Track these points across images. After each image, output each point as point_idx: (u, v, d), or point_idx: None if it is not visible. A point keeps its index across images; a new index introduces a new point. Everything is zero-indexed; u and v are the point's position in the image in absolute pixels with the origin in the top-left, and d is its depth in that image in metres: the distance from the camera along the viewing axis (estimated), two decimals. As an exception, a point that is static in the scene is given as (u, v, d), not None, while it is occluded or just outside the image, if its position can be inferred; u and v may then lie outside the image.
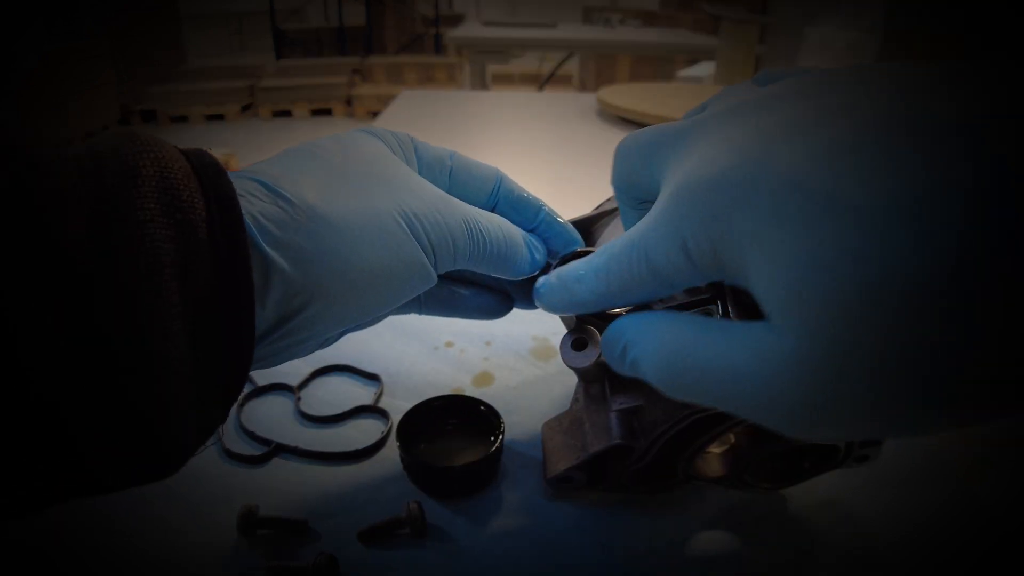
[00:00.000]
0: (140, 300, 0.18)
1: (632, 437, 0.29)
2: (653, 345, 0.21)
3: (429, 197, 0.27)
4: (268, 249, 0.22)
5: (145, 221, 0.19)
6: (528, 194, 0.33)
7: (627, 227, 0.26)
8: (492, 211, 0.33)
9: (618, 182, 0.25)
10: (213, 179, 0.21)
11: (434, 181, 0.31)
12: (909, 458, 0.38)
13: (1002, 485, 0.38)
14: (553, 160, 0.96)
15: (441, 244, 0.27)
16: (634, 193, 0.25)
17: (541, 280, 0.26)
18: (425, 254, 0.27)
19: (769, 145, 0.17)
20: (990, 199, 0.13)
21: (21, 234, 0.17)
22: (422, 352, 0.47)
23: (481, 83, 3.09)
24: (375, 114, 4.09)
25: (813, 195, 0.16)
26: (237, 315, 0.21)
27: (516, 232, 0.31)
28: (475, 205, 0.33)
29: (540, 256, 0.32)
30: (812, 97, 0.18)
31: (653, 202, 0.23)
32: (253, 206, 0.23)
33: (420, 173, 0.30)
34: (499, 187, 0.32)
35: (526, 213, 0.33)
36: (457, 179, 0.32)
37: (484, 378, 0.45)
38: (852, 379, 0.15)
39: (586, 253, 0.32)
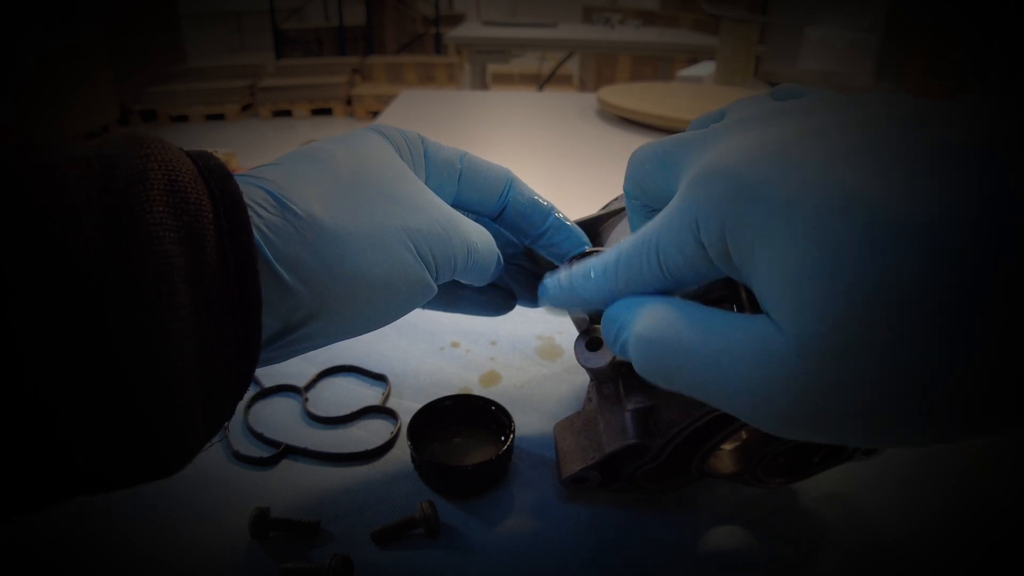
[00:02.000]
0: (149, 302, 0.19)
1: (648, 436, 0.29)
2: (644, 324, 0.21)
3: (435, 215, 0.27)
4: (274, 263, 0.22)
5: (154, 224, 0.19)
6: (538, 198, 0.33)
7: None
8: (501, 214, 0.33)
9: (631, 188, 0.25)
10: (220, 182, 0.22)
11: (443, 185, 0.31)
12: (915, 453, 0.38)
13: (1008, 479, 0.38)
14: (553, 160, 0.96)
15: (443, 261, 0.27)
16: (646, 199, 0.25)
17: (548, 277, 0.26)
18: (428, 270, 0.27)
19: (787, 146, 0.18)
20: (995, 215, 0.14)
21: (31, 233, 0.17)
22: (428, 352, 0.47)
23: (481, 83, 3.09)
24: (375, 114, 4.10)
25: (827, 195, 0.16)
26: (244, 317, 0.21)
27: (493, 242, 0.31)
28: (484, 209, 0.33)
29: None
30: (834, 111, 0.18)
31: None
32: (260, 218, 0.23)
33: (429, 177, 0.30)
34: (509, 191, 0.32)
35: (535, 218, 0.33)
36: (466, 182, 0.31)
37: (491, 377, 0.45)
38: (847, 381, 0.15)
39: (594, 253, 0.32)
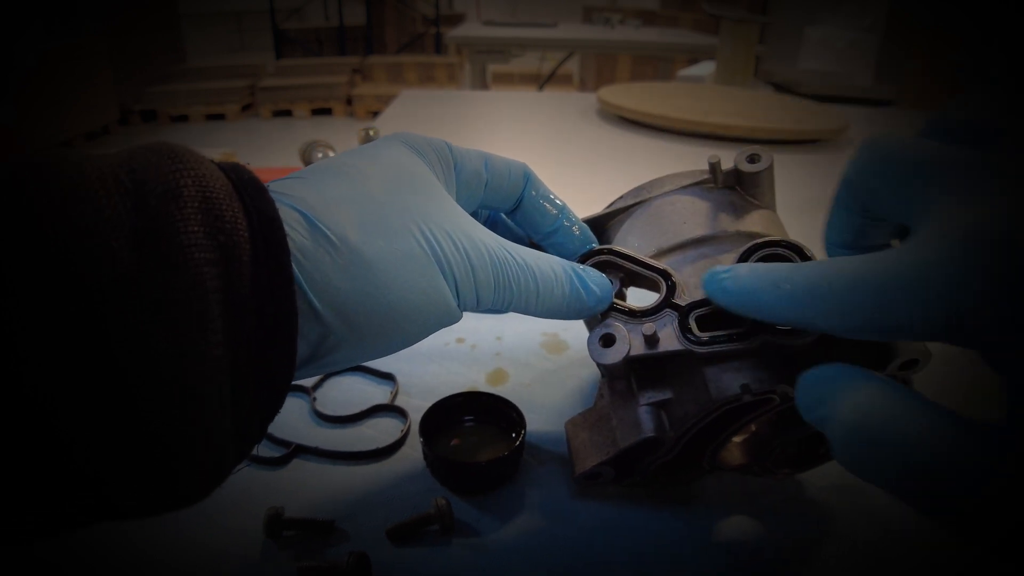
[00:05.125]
0: (185, 327, 0.18)
1: (662, 430, 0.29)
2: (856, 411, 0.19)
3: (461, 236, 0.26)
4: (307, 289, 0.22)
5: (189, 245, 0.18)
6: (553, 196, 0.33)
7: (834, 232, 0.24)
8: (516, 209, 0.33)
9: (859, 186, 0.22)
10: (255, 197, 0.21)
11: (470, 195, 0.30)
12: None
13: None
14: (553, 160, 0.96)
15: (465, 287, 0.26)
16: (871, 205, 0.22)
17: (723, 269, 0.24)
18: (455, 298, 0.26)
19: None
20: None
21: (64, 256, 0.17)
22: (434, 349, 0.47)
23: (481, 83, 3.09)
24: (375, 114, 4.09)
25: None
26: (278, 341, 0.20)
27: (551, 271, 0.29)
28: (502, 208, 0.33)
29: (592, 297, 0.30)
30: None
31: (885, 220, 0.21)
32: (294, 242, 0.22)
33: (458, 191, 0.30)
34: (525, 190, 0.32)
35: (548, 216, 0.33)
36: (490, 190, 0.31)
37: (498, 375, 0.45)
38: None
39: (600, 252, 0.33)
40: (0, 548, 0.18)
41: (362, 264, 0.23)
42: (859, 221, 0.23)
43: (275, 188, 0.24)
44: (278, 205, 0.22)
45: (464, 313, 0.35)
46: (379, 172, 0.26)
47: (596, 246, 0.34)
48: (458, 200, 0.29)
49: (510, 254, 0.28)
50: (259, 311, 0.20)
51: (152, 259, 0.18)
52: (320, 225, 0.23)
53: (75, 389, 0.17)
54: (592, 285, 0.30)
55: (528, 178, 0.33)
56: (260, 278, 0.20)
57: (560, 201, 0.34)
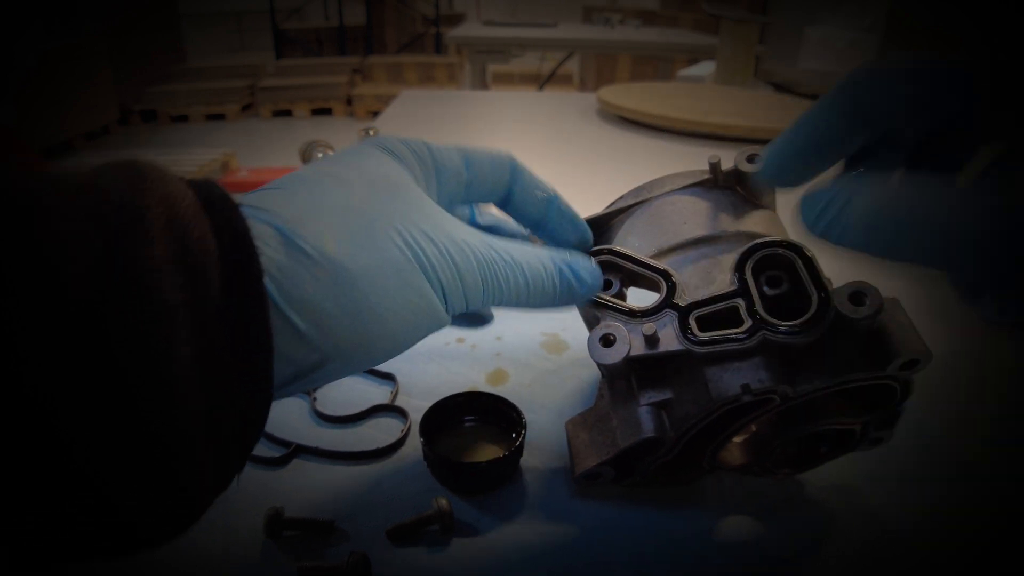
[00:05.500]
0: (149, 358, 0.17)
1: (662, 430, 0.29)
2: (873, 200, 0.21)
3: (444, 239, 0.26)
4: (284, 308, 0.21)
5: (153, 269, 0.17)
6: (541, 186, 0.33)
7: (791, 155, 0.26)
8: (506, 201, 0.32)
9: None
10: (224, 214, 0.20)
11: (452, 195, 0.30)
12: (916, 445, 0.39)
13: (1008, 472, 0.38)
14: (553, 160, 0.97)
15: (452, 290, 0.26)
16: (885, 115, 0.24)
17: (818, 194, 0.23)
18: (442, 303, 0.26)
19: None
20: None
21: (25, 283, 0.16)
22: (434, 349, 0.47)
23: (481, 83, 3.09)
24: (375, 114, 4.09)
25: None
26: (253, 366, 0.20)
27: (540, 263, 0.29)
28: (491, 202, 0.32)
29: (582, 284, 0.30)
30: None
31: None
32: (271, 261, 0.21)
33: (440, 191, 0.29)
34: (513, 181, 0.32)
35: (537, 204, 0.33)
36: (473, 187, 0.31)
37: (498, 375, 0.45)
38: None
39: (600, 252, 0.33)
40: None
41: (343, 278, 0.22)
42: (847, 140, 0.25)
43: (249, 202, 0.23)
44: (252, 221, 0.21)
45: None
46: (356, 179, 0.25)
47: (596, 245, 0.34)
48: (440, 199, 0.29)
49: (496, 252, 0.27)
50: (232, 335, 0.19)
51: (114, 286, 0.17)
52: (296, 240, 0.22)
53: (58, 402, 0.16)
54: (583, 273, 0.30)
55: (514, 168, 0.32)
56: (231, 300, 0.19)
57: (550, 189, 0.33)
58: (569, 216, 0.33)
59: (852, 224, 0.21)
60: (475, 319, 0.35)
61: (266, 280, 0.21)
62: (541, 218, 0.33)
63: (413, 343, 0.26)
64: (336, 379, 0.24)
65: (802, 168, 0.26)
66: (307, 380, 0.23)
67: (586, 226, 0.34)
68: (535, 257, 0.29)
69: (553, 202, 0.33)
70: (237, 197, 0.22)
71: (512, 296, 0.28)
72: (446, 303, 0.26)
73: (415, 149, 0.28)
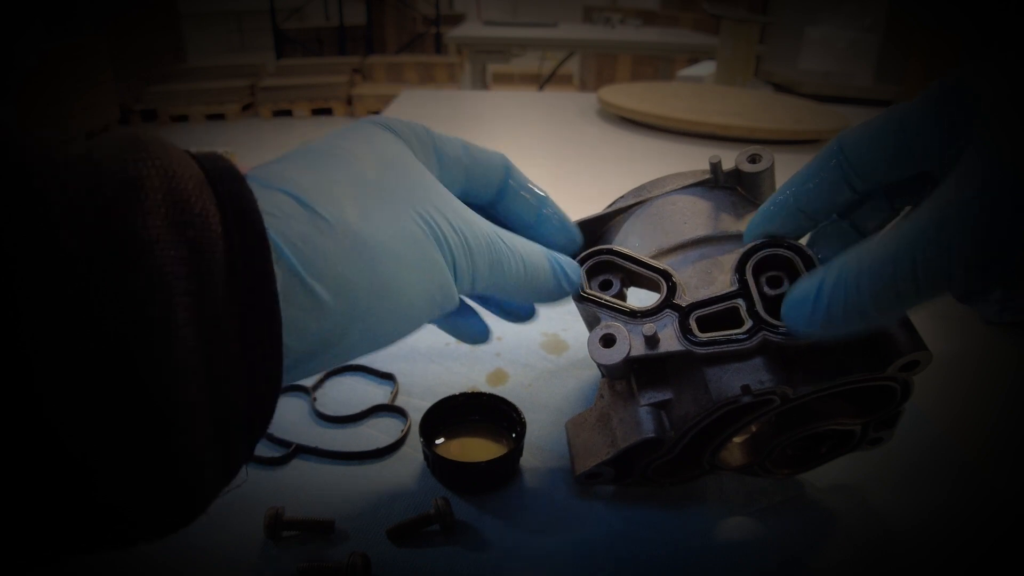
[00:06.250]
0: (148, 333, 0.16)
1: (662, 430, 0.29)
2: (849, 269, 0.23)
3: (455, 218, 0.26)
4: (308, 279, 0.20)
5: (151, 241, 0.16)
6: (533, 186, 0.33)
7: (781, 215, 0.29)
8: (497, 203, 0.32)
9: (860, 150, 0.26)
10: (230, 188, 0.19)
11: (452, 183, 0.30)
12: (917, 445, 0.39)
13: (1009, 473, 0.38)
14: (553, 160, 0.96)
15: (462, 269, 0.26)
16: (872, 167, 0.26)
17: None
18: (454, 279, 0.26)
19: None
20: None
21: (18, 252, 0.15)
22: (434, 350, 0.47)
23: (481, 83, 3.09)
24: (375, 113, 4.09)
25: None
26: (262, 345, 0.19)
27: (539, 255, 0.30)
28: (481, 200, 0.32)
29: (568, 282, 0.31)
30: None
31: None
32: (290, 228, 0.20)
33: (440, 176, 0.29)
34: (506, 181, 0.32)
35: (528, 207, 0.32)
36: (470, 176, 0.31)
37: (498, 375, 0.45)
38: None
39: (600, 252, 0.33)
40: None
41: (365, 247, 0.22)
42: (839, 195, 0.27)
43: (261, 175, 0.22)
44: (266, 191, 0.21)
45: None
46: (367, 154, 0.25)
47: (596, 245, 0.34)
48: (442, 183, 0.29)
49: (500, 237, 0.28)
50: (239, 313, 0.18)
51: (108, 257, 0.16)
52: (316, 208, 0.21)
53: (53, 384, 0.15)
54: (568, 270, 0.31)
55: (507, 168, 0.32)
56: (237, 276, 0.18)
57: (541, 191, 0.33)
58: (559, 218, 0.33)
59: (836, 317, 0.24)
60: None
61: (286, 249, 0.20)
62: (532, 220, 0.33)
63: (426, 320, 0.26)
64: (346, 359, 0.24)
65: (794, 226, 0.29)
66: (321, 358, 0.22)
67: (577, 230, 0.34)
68: (531, 247, 0.30)
69: (544, 203, 0.33)
70: (244, 170, 0.21)
71: (511, 282, 0.28)
72: (456, 281, 0.26)
73: (416, 131, 0.29)
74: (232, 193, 0.19)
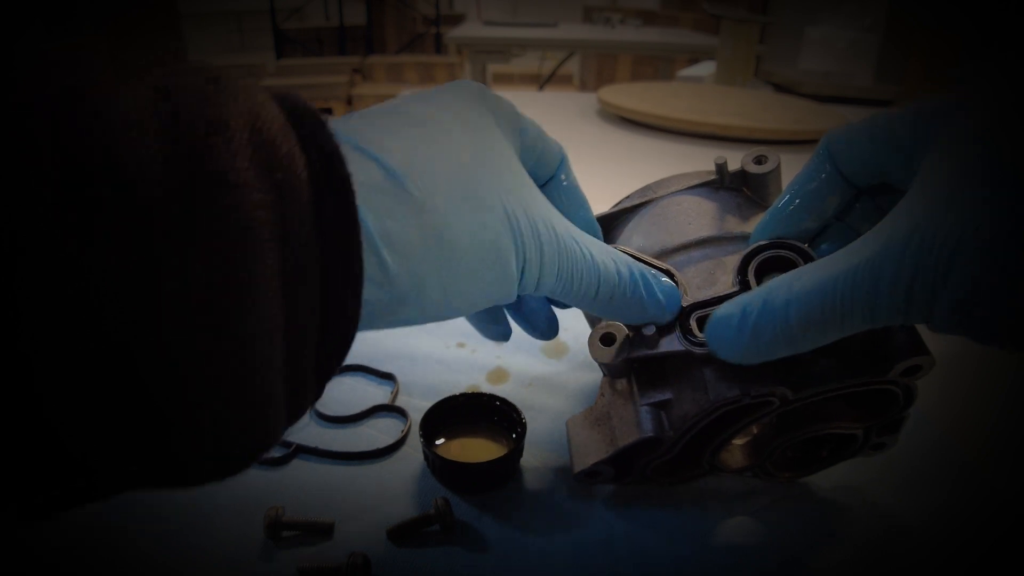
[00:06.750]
0: (232, 277, 0.15)
1: (661, 430, 0.29)
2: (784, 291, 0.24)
3: (539, 222, 0.25)
4: (382, 248, 0.20)
5: (237, 184, 0.16)
6: (578, 190, 0.32)
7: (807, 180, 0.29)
8: (542, 189, 0.31)
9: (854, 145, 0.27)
10: (314, 132, 0.18)
11: (524, 167, 0.28)
12: (919, 448, 0.39)
13: (1009, 474, 0.38)
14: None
15: (530, 273, 0.25)
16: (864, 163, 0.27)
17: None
18: (517, 280, 0.25)
19: None
20: None
21: (98, 198, 0.14)
22: (435, 350, 0.47)
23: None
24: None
25: None
26: (341, 294, 0.18)
27: (614, 270, 0.27)
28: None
29: (655, 308, 0.29)
30: None
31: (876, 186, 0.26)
32: (374, 193, 0.20)
33: (523, 160, 0.29)
34: (557, 174, 0.31)
35: (567, 207, 0.31)
36: (537, 162, 0.30)
37: (499, 375, 0.45)
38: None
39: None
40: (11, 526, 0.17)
41: (447, 232, 0.22)
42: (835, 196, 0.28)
43: (343, 129, 0.22)
44: (350, 150, 0.20)
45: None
46: (459, 131, 0.24)
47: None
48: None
49: (578, 245, 0.26)
50: (321, 260, 0.18)
51: (194, 206, 0.15)
52: (407, 186, 0.21)
53: (130, 328, 0.15)
54: (658, 294, 0.29)
55: (563, 160, 0.31)
56: (322, 224, 0.18)
57: (582, 198, 0.32)
58: (594, 228, 0.33)
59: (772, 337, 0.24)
60: (540, 330, 0.34)
61: (368, 217, 0.19)
62: (578, 223, 0.31)
63: (480, 308, 0.25)
64: (396, 326, 0.23)
65: (801, 228, 0.29)
66: (380, 322, 0.22)
67: (602, 241, 0.33)
68: (612, 261, 0.27)
69: (583, 207, 0.32)
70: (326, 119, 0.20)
71: (580, 293, 0.27)
72: (521, 279, 0.25)
73: (506, 110, 0.28)
74: (315, 136, 0.18)
